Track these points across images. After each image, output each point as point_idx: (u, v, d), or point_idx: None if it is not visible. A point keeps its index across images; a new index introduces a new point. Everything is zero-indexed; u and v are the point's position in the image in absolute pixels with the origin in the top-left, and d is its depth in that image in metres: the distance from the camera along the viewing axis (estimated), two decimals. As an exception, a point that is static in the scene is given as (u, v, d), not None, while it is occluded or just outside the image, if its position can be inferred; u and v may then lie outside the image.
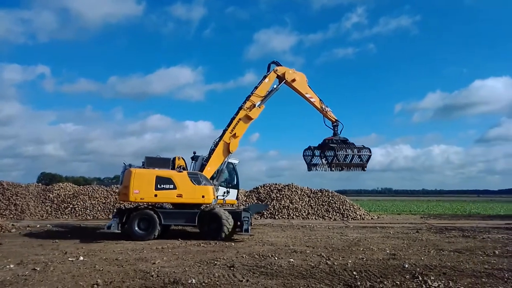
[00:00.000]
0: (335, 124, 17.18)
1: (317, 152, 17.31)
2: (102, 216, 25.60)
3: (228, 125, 16.34)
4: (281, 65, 17.00)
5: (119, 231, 14.63)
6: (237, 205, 19.06)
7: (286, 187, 28.81)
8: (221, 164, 16.01)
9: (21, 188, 28.32)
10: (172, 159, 15.88)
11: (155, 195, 14.56)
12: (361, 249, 12.56)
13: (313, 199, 27.52)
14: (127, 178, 14.70)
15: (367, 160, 16.95)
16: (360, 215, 26.43)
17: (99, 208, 26.58)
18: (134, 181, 14.52)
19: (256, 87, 16.68)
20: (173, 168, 15.45)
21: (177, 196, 14.65)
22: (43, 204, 26.90)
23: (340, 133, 17.16)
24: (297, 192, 28.19)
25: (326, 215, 26.06)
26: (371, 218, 26.67)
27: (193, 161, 16.47)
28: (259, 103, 16.47)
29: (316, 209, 26.69)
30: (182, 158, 16.33)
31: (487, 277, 8.52)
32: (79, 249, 12.01)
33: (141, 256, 10.84)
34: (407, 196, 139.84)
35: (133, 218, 14.60)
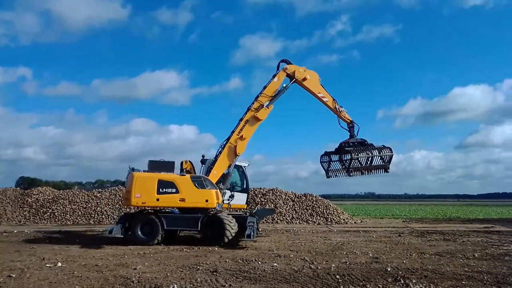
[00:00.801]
0: (350, 125, 16.21)
1: (334, 157, 16.28)
2: (83, 221, 25.05)
3: (236, 127, 15.84)
4: (291, 63, 16.31)
5: (122, 236, 14.34)
6: (246, 209, 18.36)
7: (271, 191, 28.78)
8: (228, 167, 15.55)
9: (-2, 192, 27.46)
10: (180, 163, 15.69)
11: (157, 199, 14.24)
12: (345, 253, 12.61)
13: (297, 203, 27.56)
14: (129, 182, 14.49)
15: (389, 161, 15.96)
16: (343, 219, 26.58)
17: (80, 213, 25.96)
18: (135, 185, 14.25)
19: (264, 87, 16.10)
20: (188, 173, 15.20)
21: (179, 200, 14.28)
22: (21, 208, 26.14)
23: (357, 134, 16.18)
24: (281, 197, 28.18)
25: (310, 219, 26.11)
26: (355, 222, 26.87)
27: (203, 165, 16.08)
28: (267, 103, 15.90)
29: (300, 213, 26.71)
30: (190, 161, 16.11)
31: (467, 279, 8.65)
32: (57, 255, 11.68)
33: (122, 262, 10.61)
34: (389, 201, 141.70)
35: (136, 223, 14.32)
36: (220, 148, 15.78)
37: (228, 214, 14.70)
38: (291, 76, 16.09)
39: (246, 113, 15.86)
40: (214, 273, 9.10)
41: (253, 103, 15.90)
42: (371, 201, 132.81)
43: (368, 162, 15.62)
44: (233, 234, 13.99)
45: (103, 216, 25.77)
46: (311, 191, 30.09)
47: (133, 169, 14.95)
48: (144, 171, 14.90)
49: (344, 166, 15.68)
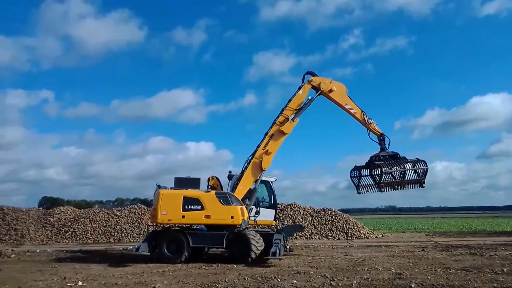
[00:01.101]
0: (381, 138, 15.65)
1: (364, 172, 15.65)
2: (103, 240, 25.31)
3: (261, 142, 15.65)
4: (316, 75, 16.08)
5: (149, 253, 14.42)
6: (275, 225, 17.87)
7: (289, 206, 28.52)
8: (254, 182, 15.34)
9: (21, 212, 28.12)
10: (207, 179, 15.74)
11: (183, 216, 14.17)
12: (366, 269, 12.29)
13: (316, 218, 27.19)
14: (156, 199, 14.61)
15: (425, 175, 15.12)
16: (364, 234, 26.03)
17: (100, 232, 26.27)
18: (161, 203, 14.34)
19: (289, 100, 15.87)
20: (211, 189, 15.21)
21: (205, 217, 14.13)
22: (43, 228, 26.63)
23: (388, 147, 15.57)
24: (300, 212, 27.87)
25: (330, 234, 25.69)
26: (376, 237, 26.25)
27: (230, 181, 15.93)
28: (292, 116, 15.62)
29: (319, 228, 26.32)
30: (216, 177, 16.04)
31: (496, 296, 8.29)
32: (78, 274, 11.80)
33: (141, 280, 10.63)
34: (411, 214, 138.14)
35: (162, 240, 14.38)
36: (246, 164, 15.58)
37: (255, 231, 14.45)
38: (316, 88, 15.81)
39: (271, 127, 15.65)
40: (233, 291, 9.00)
41: (278, 116, 15.69)
42: (392, 215, 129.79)
43: (401, 177, 14.96)
44: (259, 251, 13.69)
45: (123, 234, 26.00)
46: (330, 205, 29.64)
47: (159, 186, 15.02)
48: (171, 188, 14.97)
49: (375, 181, 15.14)
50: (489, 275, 10.83)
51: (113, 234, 26.06)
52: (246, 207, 14.76)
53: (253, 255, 13.55)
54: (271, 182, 16.18)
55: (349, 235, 25.65)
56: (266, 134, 15.61)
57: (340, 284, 9.69)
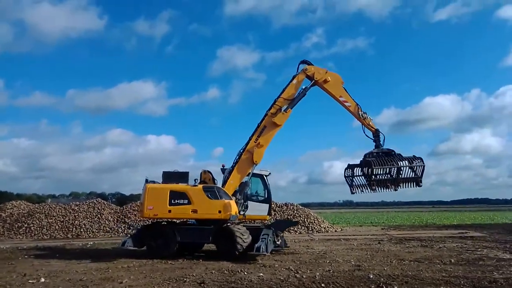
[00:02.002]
0: (375, 134, 14.76)
1: (357, 171, 14.71)
2: (60, 235, 24.40)
3: (253, 134, 15.02)
4: (312, 64, 15.30)
5: (135, 248, 14.10)
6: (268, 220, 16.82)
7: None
8: (246, 176, 14.79)
9: (-31, 207, 26.46)
10: (200, 173, 15.40)
11: (169, 211, 13.88)
12: (328, 261, 12.89)
13: (279, 213, 27.77)
14: (143, 194, 14.27)
15: (422, 173, 14.23)
16: (324, 228, 26.98)
17: (57, 227, 25.29)
18: (148, 197, 14.04)
19: (283, 90, 15.16)
20: (202, 183, 14.83)
21: (191, 211, 13.84)
22: (-6, 224, 25.23)
23: (383, 144, 14.68)
24: (263, 206, 28.32)
25: (292, 228, 26.36)
26: (335, 231, 27.30)
27: (223, 175, 15.43)
28: (285, 107, 14.93)
29: (281, 223, 26.90)
30: (209, 171, 15.57)
31: (445, 284, 9.06)
32: (38, 271, 11.42)
33: (107, 276, 10.51)
34: (367, 208, 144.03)
35: (150, 235, 14.10)
36: (237, 157, 15.05)
37: (242, 226, 14.14)
38: (311, 78, 15.11)
39: (263, 118, 15.05)
40: (202, 285, 9.17)
41: (270, 107, 15.05)
42: (350, 209, 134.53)
43: (396, 175, 14.18)
44: (245, 247, 13.29)
45: (82, 230, 25.20)
46: (291, 200, 30.40)
47: (147, 181, 14.65)
48: (159, 182, 14.64)
49: (368, 181, 14.37)
50: (439, 266, 11.75)
51: (71, 229, 25.19)
52: (236, 202, 14.36)
53: (238, 250, 13.19)
54: (265, 175, 15.60)
55: (310, 229, 26.47)
56: (258, 125, 15.04)
57: (304, 276, 10.13)
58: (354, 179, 14.77)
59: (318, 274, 10.46)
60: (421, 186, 14.19)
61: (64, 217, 26.22)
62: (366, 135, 14.90)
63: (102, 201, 29.86)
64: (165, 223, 14.85)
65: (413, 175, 14.22)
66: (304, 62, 15.45)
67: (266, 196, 15.48)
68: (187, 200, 13.88)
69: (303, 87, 15.16)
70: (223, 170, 15.47)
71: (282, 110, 14.89)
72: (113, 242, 20.35)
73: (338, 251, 15.78)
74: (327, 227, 27.66)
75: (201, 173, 15.54)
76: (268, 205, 15.33)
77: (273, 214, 24.03)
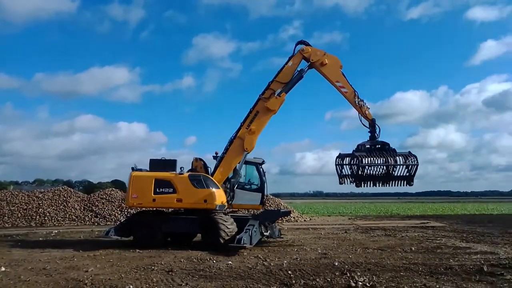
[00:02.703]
0: (372, 125, 13.92)
1: (346, 161, 13.81)
2: (23, 224, 23.59)
3: (244, 119, 14.25)
4: (309, 45, 14.40)
5: (118, 238, 13.75)
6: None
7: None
8: (238, 164, 14.14)
9: None
10: (192, 161, 14.78)
11: (154, 200, 13.41)
12: (295, 249, 13.18)
13: (250, 202, 27.96)
14: (128, 182, 13.77)
15: (415, 172, 13.42)
16: (293, 217, 27.47)
17: (19, 215, 24.42)
18: (132, 185, 13.55)
19: (278, 72, 14.25)
20: (193, 171, 14.29)
21: (176, 200, 13.35)
22: (-50, 211, 24.01)
23: (379, 136, 13.83)
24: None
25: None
26: (304, 220, 27.88)
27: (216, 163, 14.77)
28: (279, 91, 14.04)
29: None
30: (201, 159, 14.79)
31: (404, 271, 9.50)
32: (-1, 260, 11.03)
33: (72, 265, 10.30)
34: (337, 199, 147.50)
35: (135, 225, 13.70)
36: (228, 144, 14.40)
37: (227, 215, 13.67)
38: (308, 60, 14.21)
39: (256, 103, 14.23)
40: (170, 273, 9.17)
41: (264, 91, 14.19)
42: (320, 199, 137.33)
43: (386, 171, 13.47)
44: (229, 237, 12.72)
45: (46, 218, 24.45)
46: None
47: (133, 168, 14.11)
48: (146, 170, 14.15)
49: (353, 173, 13.61)
50: (400, 253, 12.28)
51: (34, 217, 24.38)
52: (226, 190, 13.92)
53: (222, 240, 12.66)
54: (258, 163, 14.87)
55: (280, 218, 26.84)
56: (251, 111, 14.27)
57: (272, 264, 10.33)
58: (343, 169, 13.91)
59: (285, 262, 10.68)
60: (412, 185, 13.56)
61: (27, 205, 25.34)
62: (363, 124, 14.05)
63: (69, 188, 29.04)
64: (151, 212, 14.46)
65: (405, 174, 13.49)
66: (301, 42, 14.57)
67: (259, 186, 14.77)
68: (172, 189, 13.40)
69: (299, 69, 14.32)
70: (215, 157, 14.78)
71: (276, 94, 14.09)
72: (79, 231, 19.92)
73: (306, 239, 16.15)
74: (297, 216, 28.18)
75: (192, 161, 14.90)
76: (260, 194, 14.62)
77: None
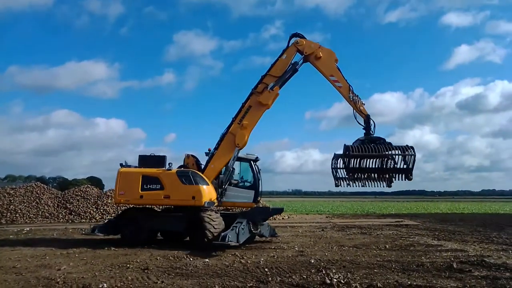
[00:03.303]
0: (367, 121, 13.20)
1: (341, 162, 12.79)
2: (-7, 221, 22.73)
3: (237, 114, 13.82)
4: (304, 38, 13.93)
5: (102, 235, 13.49)
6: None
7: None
8: (230, 160, 13.62)
9: None
10: (184, 158, 14.42)
11: (141, 197, 13.09)
12: (273, 247, 13.26)
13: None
14: (116, 179, 13.35)
15: (413, 164, 12.47)
16: (272, 216, 27.56)
17: (-11, 212, 23.54)
18: (119, 182, 13.20)
19: (271, 66, 13.85)
20: (184, 168, 13.92)
21: (164, 197, 13.02)
22: None
23: (374, 132, 13.15)
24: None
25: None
26: (282, 218, 28.05)
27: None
28: (272, 85, 13.60)
29: (230, 210, 27.14)
30: (193, 155, 14.37)
31: (378, 268, 9.72)
32: (-35, 258, 10.63)
33: (43, 263, 10.04)
34: (315, 197, 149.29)
35: (122, 222, 13.39)
36: (219, 140, 13.98)
37: (215, 213, 13.18)
38: (302, 53, 13.80)
39: (248, 97, 13.82)
40: (145, 271, 9.07)
41: (257, 85, 13.77)
42: (298, 198, 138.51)
43: (379, 165, 12.68)
44: (215, 235, 12.20)
45: (17, 215, 23.72)
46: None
47: (121, 165, 13.76)
48: (135, 167, 13.84)
49: (347, 171, 12.70)
50: (375, 251, 12.55)
51: (5, 214, 23.60)
52: (216, 187, 13.50)
53: (208, 238, 12.22)
54: (251, 160, 14.40)
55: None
56: (243, 105, 13.84)
57: (249, 262, 10.36)
58: (338, 171, 12.90)
59: (262, 259, 10.74)
60: (411, 179, 12.67)
61: (-3, 202, 24.45)
62: (358, 122, 13.30)
63: (42, 185, 28.25)
64: (137, 209, 14.16)
65: (403, 166, 12.58)
66: (296, 35, 14.09)
67: (252, 183, 14.35)
68: (159, 185, 13.09)
69: (293, 62, 13.89)
70: (208, 154, 14.33)
71: (269, 88, 13.63)
72: (53, 228, 19.41)
73: (283, 237, 16.25)
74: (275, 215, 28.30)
75: (184, 158, 14.56)
76: (253, 191, 14.20)
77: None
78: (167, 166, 13.57)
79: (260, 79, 13.88)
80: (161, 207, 15.82)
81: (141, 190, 13.14)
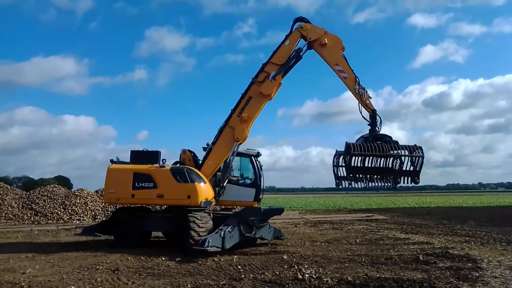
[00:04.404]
0: (373, 116, 12.16)
1: (341, 160, 12.05)
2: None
3: (236, 106, 12.80)
4: (309, 22, 12.90)
5: (91, 237, 13.02)
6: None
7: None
8: (229, 156, 12.60)
9: None
10: (180, 153, 13.48)
11: (132, 195, 12.15)
12: (246, 244, 13.27)
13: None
14: (106, 176, 12.44)
15: (420, 166, 11.59)
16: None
17: None
18: (109, 179, 12.31)
19: (273, 53, 12.81)
20: (180, 164, 13.05)
21: (157, 196, 12.05)
22: None
23: (380, 128, 12.12)
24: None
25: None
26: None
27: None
28: (274, 74, 12.55)
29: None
30: (189, 151, 13.40)
31: (349, 262, 9.96)
32: None
33: (7, 267, 9.63)
34: (288, 193, 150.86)
35: (114, 223, 12.70)
36: (218, 134, 13.05)
37: (204, 213, 11.96)
38: (306, 38, 12.80)
39: (248, 87, 12.82)
40: (116, 272, 8.87)
41: (257, 74, 12.77)
42: (272, 194, 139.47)
43: (383, 165, 11.78)
44: (201, 236, 11.17)
45: (-21, 217, 22.55)
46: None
47: (111, 161, 12.88)
48: (127, 163, 13.02)
49: (350, 171, 11.84)
50: (346, 246, 12.85)
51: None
52: (214, 185, 12.61)
53: (193, 240, 11.21)
54: (253, 156, 13.34)
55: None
56: (243, 96, 12.84)
57: (222, 260, 10.35)
58: (338, 169, 12.13)
59: (235, 256, 10.76)
60: (418, 182, 11.72)
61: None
62: (363, 117, 12.30)
63: (5, 185, 27.03)
64: (128, 209, 13.57)
65: (409, 168, 11.71)
66: (300, 19, 13.05)
67: (253, 180, 13.30)
68: (152, 183, 12.12)
69: (296, 49, 12.87)
70: (206, 149, 13.38)
71: (270, 78, 12.59)
72: (17, 230, 18.62)
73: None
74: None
75: (180, 153, 13.62)
76: (255, 189, 13.11)
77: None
78: (160, 163, 12.68)
79: (261, 68, 12.87)
80: (157, 207, 15.20)
81: (133, 189, 12.19)
